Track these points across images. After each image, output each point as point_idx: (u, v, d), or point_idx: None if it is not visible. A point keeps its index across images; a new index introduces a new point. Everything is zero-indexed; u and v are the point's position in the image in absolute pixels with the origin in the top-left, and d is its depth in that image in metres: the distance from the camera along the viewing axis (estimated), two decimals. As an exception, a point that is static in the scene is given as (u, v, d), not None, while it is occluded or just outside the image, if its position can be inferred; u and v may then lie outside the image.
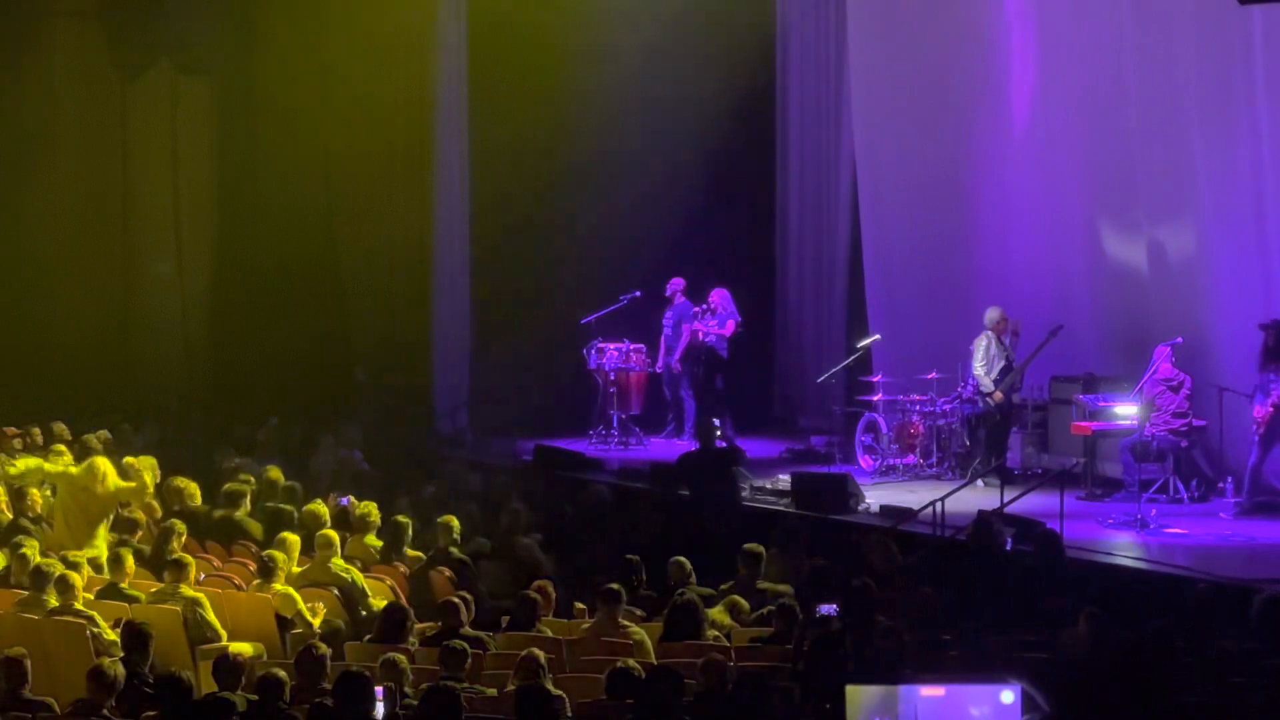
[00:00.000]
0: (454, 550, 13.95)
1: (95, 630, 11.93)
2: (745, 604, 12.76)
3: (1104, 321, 19.04)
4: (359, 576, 13.38)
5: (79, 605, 12.24)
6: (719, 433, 19.48)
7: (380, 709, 9.65)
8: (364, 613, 12.97)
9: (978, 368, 18.40)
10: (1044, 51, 19.61)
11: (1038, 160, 19.71)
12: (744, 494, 17.06)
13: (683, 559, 13.34)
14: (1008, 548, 14.13)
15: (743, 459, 17.85)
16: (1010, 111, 20.02)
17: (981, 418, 18.57)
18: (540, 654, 10.33)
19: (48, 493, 15.30)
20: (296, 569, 13.51)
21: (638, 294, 21.31)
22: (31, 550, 13.34)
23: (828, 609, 11.03)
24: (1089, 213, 19.12)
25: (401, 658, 10.40)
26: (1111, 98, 18.59)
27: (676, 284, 21.17)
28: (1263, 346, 16.23)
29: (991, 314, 18.47)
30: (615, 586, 12.19)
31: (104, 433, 17.41)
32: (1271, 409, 16.00)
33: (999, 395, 18.32)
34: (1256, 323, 16.47)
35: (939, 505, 15.42)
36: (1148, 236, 18.39)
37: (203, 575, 13.38)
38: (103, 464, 15.01)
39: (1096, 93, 18.84)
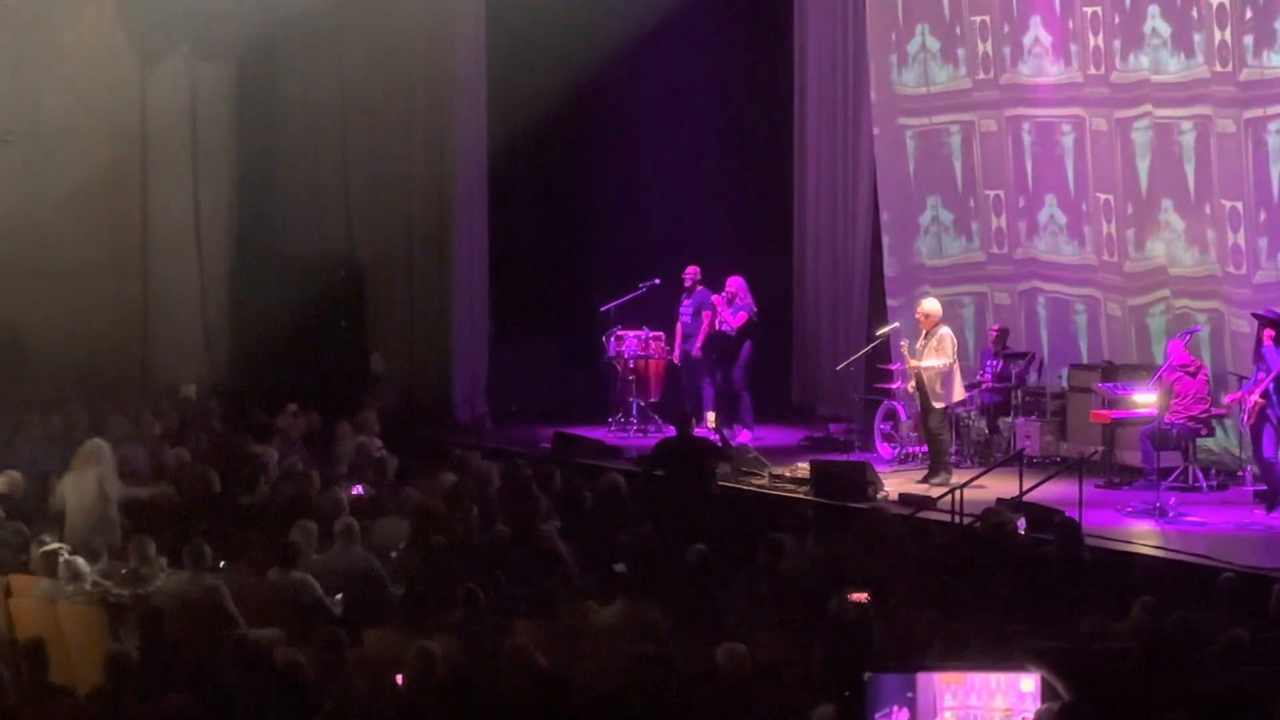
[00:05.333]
0: None
1: (113, 616, 11.97)
2: None
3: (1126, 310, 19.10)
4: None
5: (95, 591, 12.29)
6: (715, 427, 19.57)
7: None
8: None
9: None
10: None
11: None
12: (720, 482, 16.94)
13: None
14: (1020, 531, 14.10)
15: (728, 452, 17.82)
16: (1036, 89, 20.00)
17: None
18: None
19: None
20: (317, 556, 13.52)
21: (656, 281, 21.30)
22: (50, 536, 13.39)
23: (858, 596, 11.02)
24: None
25: (431, 645, 10.37)
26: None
27: (693, 272, 21.07)
28: (1256, 338, 16.16)
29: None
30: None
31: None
32: (1258, 400, 15.91)
33: (911, 387, 18.24)
34: (1250, 312, 16.50)
35: (958, 493, 15.41)
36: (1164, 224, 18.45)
37: (221, 563, 13.39)
38: None
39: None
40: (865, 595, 11.14)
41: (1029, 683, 8.52)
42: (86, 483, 14.85)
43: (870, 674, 8.46)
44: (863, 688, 8.42)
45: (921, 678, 8.47)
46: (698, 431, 18.20)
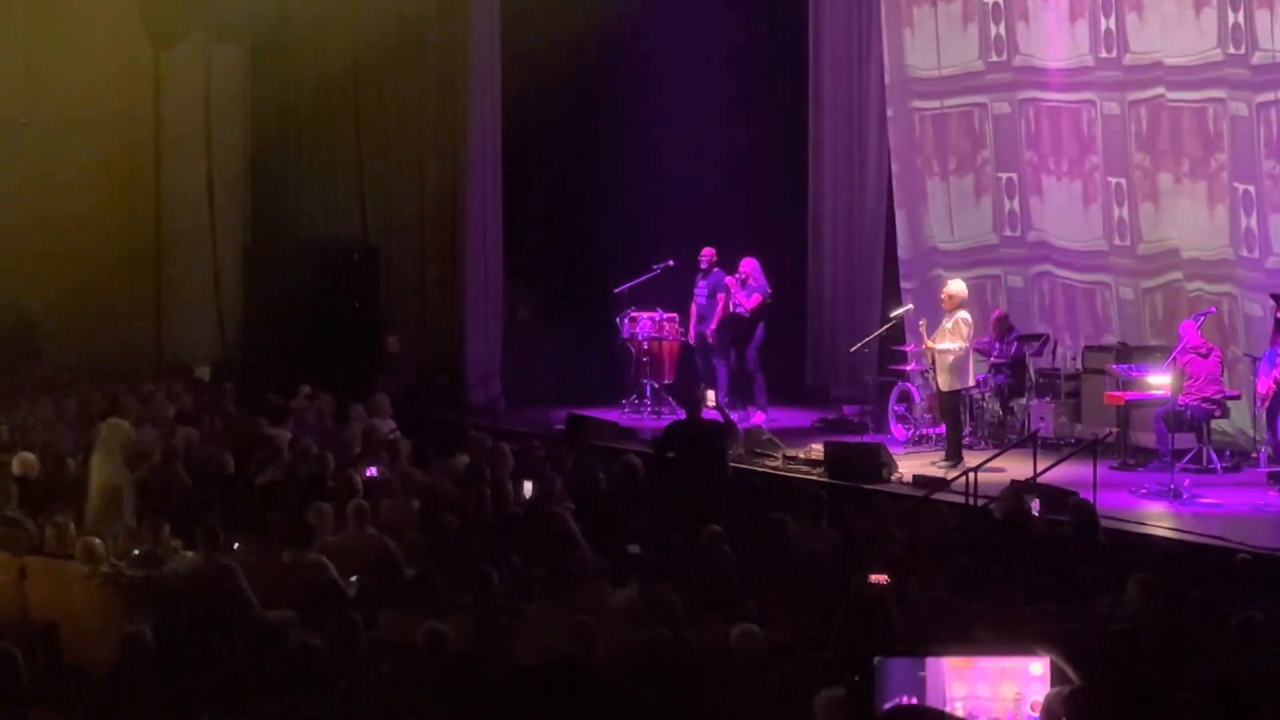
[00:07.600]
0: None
1: (128, 597, 12.00)
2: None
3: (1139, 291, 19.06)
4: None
5: (110, 572, 12.33)
6: (714, 405, 19.51)
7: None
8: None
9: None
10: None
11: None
12: (731, 464, 16.91)
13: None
14: (1035, 514, 14.08)
15: (734, 432, 17.80)
16: (1046, 73, 19.95)
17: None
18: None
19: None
20: (330, 538, 13.54)
21: (670, 263, 21.28)
22: (65, 518, 13.42)
23: (878, 578, 11.00)
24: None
25: (443, 626, 10.38)
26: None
27: (709, 254, 21.05)
28: (1275, 320, 16.16)
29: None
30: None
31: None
32: (1273, 384, 15.92)
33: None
34: (1270, 294, 16.49)
35: (972, 475, 15.40)
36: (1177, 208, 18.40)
37: (235, 544, 13.41)
38: None
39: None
40: (885, 577, 11.11)
41: (1038, 667, 8.51)
42: (105, 463, 14.87)
43: (880, 658, 8.44)
44: (872, 672, 8.41)
45: (930, 663, 8.44)
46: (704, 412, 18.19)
